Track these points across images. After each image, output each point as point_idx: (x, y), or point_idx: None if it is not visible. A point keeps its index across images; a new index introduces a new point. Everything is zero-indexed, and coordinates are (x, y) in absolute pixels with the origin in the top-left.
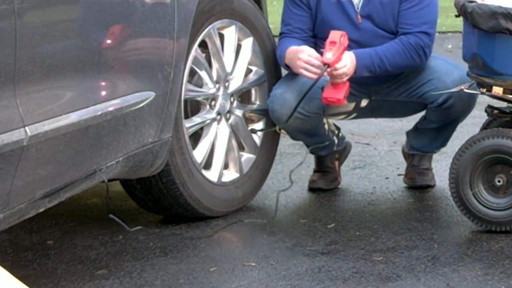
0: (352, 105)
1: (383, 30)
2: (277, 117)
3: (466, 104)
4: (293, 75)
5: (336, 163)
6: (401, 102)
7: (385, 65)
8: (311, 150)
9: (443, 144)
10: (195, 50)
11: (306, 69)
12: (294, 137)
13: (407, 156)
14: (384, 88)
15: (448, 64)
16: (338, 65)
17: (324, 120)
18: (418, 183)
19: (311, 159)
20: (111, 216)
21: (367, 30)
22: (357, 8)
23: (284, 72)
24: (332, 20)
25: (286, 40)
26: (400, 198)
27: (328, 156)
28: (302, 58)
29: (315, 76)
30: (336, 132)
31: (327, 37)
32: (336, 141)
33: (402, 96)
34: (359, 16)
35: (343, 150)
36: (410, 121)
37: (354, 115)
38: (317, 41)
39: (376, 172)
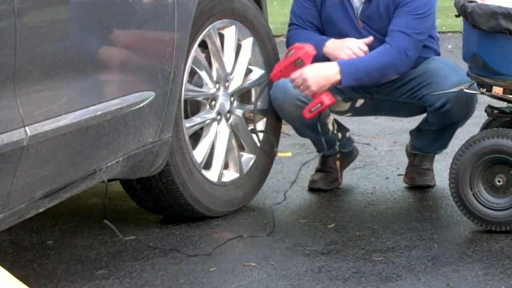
0: (348, 104)
1: (383, 35)
2: (279, 105)
3: (463, 108)
4: None
5: (338, 163)
6: (403, 103)
7: (369, 69)
8: (317, 148)
9: (444, 146)
10: (195, 50)
11: (350, 57)
12: (300, 133)
13: (409, 155)
14: (385, 88)
15: (447, 67)
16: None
17: (330, 119)
18: (417, 183)
19: (310, 163)
20: (105, 221)
21: (368, 34)
22: (357, 14)
23: None
24: (336, 19)
25: (302, 32)
26: (400, 198)
27: (332, 156)
28: (348, 45)
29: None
30: (340, 135)
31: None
32: (339, 141)
33: (403, 97)
34: (359, 21)
35: (349, 154)
36: (410, 121)
37: (349, 114)
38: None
39: (376, 172)
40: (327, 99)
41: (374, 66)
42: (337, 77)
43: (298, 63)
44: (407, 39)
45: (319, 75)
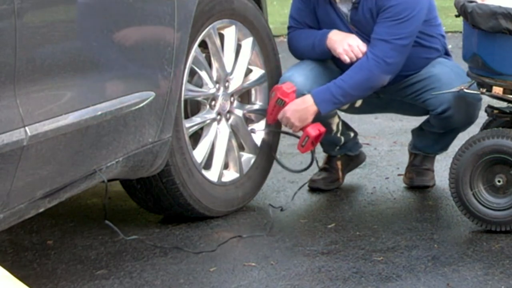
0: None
1: None
2: None
3: (465, 115)
4: (305, 61)
5: (340, 164)
6: (407, 104)
7: (345, 90)
8: (323, 149)
9: (445, 147)
10: (195, 50)
11: (347, 53)
12: None
13: (410, 154)
14: (391, 88)
15: (452, 73)
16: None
17: (334, 120)
18: (415, 183)
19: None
20: (106, 222)
21: (362, 38)
22: (347, 20)
23: (284, 71)
24: (332, 22)
25: (299, 32)
26: (400, 198)
27: (336, 157)
28: (349, 42)
29: (348, 60)
30: (343, 139)
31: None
32: (341, 145)
33: (407, 98)
34: (351, 26)
35: (355, 157)
36: (411, 121)
37: (355, 111)
38: None
39: (376, 172)
40: (312, 131)
41: (350, 86)
42: (314, 107)
43: (279, 103)
44: (386, 47)
45: (297, 110)
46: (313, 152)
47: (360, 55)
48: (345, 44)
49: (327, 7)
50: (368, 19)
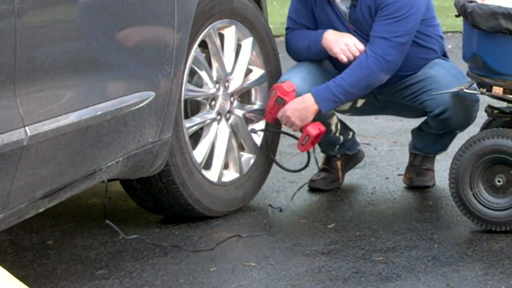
0: (352, 104)
1: None
2: None
3: (461, 118)
4: (302, 63)
5: (339, 164)
6: (405, 105)
7: (345, 88)
8: (321, 149)
9: (444, 148)
10: (195, 50)
11: (344, 52)
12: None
13: (410, 154)
14: (388, 90)
15: (449, 75)
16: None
17: (333, 120)
18: (415, 184)
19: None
20: (107, 222)
21: (359, 37)
22: (346, 18)
23: (284, 71)
24: (331, 22)
25: (297, 32)
26: (400, 198)
27: (335, 156)
28: (344, 41)
29: (345, 60)
30: (342, 138)
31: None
32: (340, 145)
33: (405, 100)
34: (350, 25)
35: (353, 156)
36: (410, 121)
37: (353, 113)
38: None
39: (376, 172)
40: (313, 130)
41: (350, 84)
42: (315, 106)
43: (279, 102)
44: (385, 44)
45: (298, 109)
46: (309, 152)
47: (357, 54)
48: (341, 43)
49: (325, 6)
50: (367, 17)
